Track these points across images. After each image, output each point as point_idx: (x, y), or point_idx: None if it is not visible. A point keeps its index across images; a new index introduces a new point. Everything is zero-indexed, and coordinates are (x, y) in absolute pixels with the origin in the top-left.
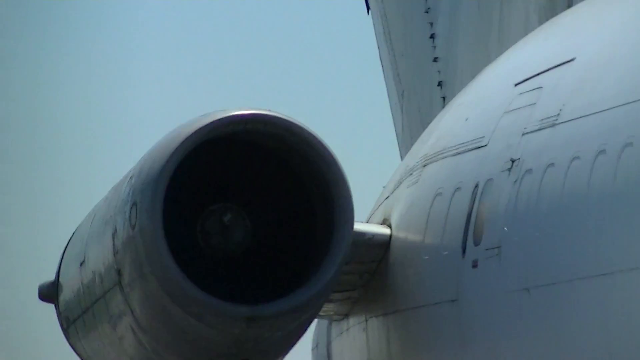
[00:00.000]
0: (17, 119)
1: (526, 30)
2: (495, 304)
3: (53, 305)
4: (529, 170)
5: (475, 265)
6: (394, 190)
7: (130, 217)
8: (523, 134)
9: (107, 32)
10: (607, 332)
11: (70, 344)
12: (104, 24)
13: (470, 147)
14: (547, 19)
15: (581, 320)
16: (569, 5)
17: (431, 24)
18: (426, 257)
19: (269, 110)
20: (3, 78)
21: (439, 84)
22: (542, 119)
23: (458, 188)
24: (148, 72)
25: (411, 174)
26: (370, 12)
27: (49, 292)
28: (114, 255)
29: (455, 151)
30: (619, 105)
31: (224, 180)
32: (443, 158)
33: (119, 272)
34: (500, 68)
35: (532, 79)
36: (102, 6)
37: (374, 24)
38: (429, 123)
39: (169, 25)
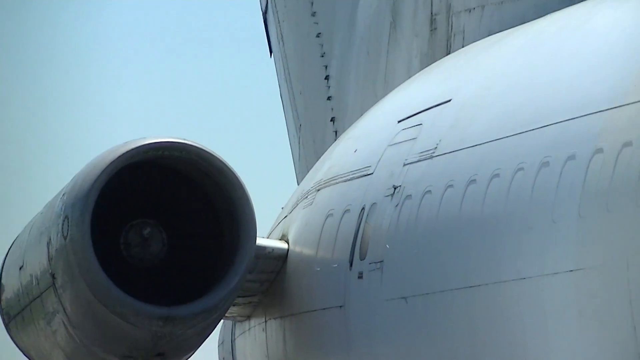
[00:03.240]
0: None
1: (409, 74)
2: (377, 310)
3: None
4: (409, 196)
5: (360, 277)
6: (292, 210)
7: (62, 228)
8: (404, 165)
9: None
10: (474, 337)
11: (11, 336)
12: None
13: (358, 175)
14: (427, 64)
15: (451, 327)
16: (448, 52)
17: (326, 67)
18: (318, 269)
19: (184, 139)
20: None
21: (332, 119)
22: (421, 152)
23: (347, 210)
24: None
25: (306, 197)
26: (272, 55)
27: None
28: (48, 261)
29: (345, 178)
30: (489, 142)
31: (145, 199)
32: (335, 184)
33: (53, 276)
34: (386, 106)
35: (413, 117)
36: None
37: (275, 66)
38: (322, 153)
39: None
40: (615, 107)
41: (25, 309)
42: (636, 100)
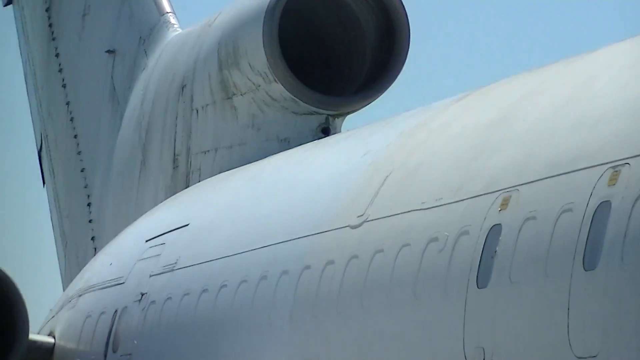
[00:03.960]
0: None
1: (155, 202)
2: None
3: None
4: (153, 302)
5: None
6: (58, 312)
7: None
8: (150, 276)
9: None
10: None
11: None
12: None
13: (113, 284)
14: (170, 195)
15: None
16: (187, 186)
17: (88, 196)
18: None
19: None
20: None
21: (92, 238)
22: (164, 266)
23: (103, 312)
24: None
25: (70, 301)
26: (45, 185)
27: None
28: None
29: (102, 286)
30: (219, 258)
31: None
32: (93, 291)
33: None
34: (136, 229)
35: (158, 237)
36: None
37: (47, 194)
38: (84, 266)
39: None
40: (319, 233)
41: None
42: (336, 227)
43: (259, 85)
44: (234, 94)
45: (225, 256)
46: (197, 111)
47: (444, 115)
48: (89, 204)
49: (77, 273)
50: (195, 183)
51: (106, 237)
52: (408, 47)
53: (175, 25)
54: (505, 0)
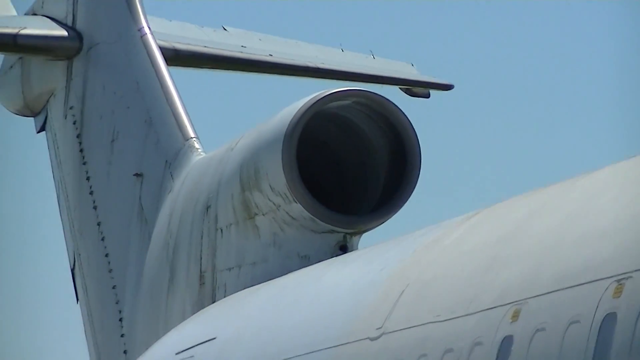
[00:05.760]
0: None
1: (183, 317)
2: None
3: None
4: None
5: None
6: None
7: None
8: None
9: None
10: None
11: None
12: None
13: None
14: (197, 310)
15: None
16: (213, 301)
17: (120, 312)
18: None
19: None
20: None
21: (125, 352)
22: None
23: None
24: None
25: None
26: (78, 301)
27: None
28: None
29: None
30: None
31: None
32: None
33: None
34: (166, 342)
35: (187, 350)
36: None
37: (81, 310)
38: None
39: None
40: (341, 344)
41: None
42: (356, 339)
43: (280, 206)
44: (255, 214)
45: None
46: (222, 230)
47: (455, 233)
48: (120, 319)
49: None
50: (221, 298)
51: (137, 350)
52: (420, 168)
53: (199, 150)
54: (506, 123)
